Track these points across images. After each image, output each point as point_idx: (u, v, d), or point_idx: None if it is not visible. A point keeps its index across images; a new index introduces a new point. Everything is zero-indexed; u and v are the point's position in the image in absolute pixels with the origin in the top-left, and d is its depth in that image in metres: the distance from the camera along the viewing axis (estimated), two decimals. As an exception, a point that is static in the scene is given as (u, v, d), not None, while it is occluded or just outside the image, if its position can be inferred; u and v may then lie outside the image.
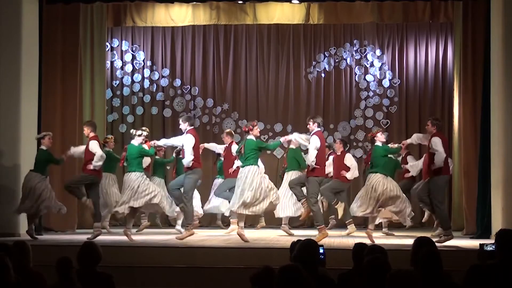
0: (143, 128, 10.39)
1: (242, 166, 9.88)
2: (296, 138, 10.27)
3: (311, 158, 9.64)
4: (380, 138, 10.25)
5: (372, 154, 10.31)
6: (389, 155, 10.55)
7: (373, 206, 9.90)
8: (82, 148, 10.62)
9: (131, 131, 10.45)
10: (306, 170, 10.22)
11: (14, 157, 10.95)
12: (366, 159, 12.32)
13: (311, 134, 9.86)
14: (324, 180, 10.59)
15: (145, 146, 10.17)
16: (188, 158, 9.68)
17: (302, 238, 5.17)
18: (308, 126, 10.00)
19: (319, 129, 9.91)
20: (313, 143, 9.70)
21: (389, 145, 10.70)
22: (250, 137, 9.93)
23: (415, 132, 14.02)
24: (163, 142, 10.37)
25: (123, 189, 10.04)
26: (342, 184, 11.67)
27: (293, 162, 11.65)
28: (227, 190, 11.09)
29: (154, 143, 10.20)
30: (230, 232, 11.40)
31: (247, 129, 10.03)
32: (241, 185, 9.64)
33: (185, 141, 9.74)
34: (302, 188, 10.19)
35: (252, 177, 9.63)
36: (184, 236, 9.65)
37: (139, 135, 10.09)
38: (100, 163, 10.05)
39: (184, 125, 9.83)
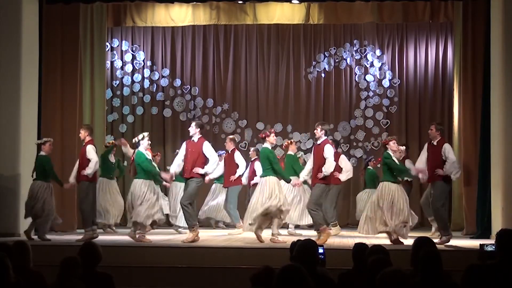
0: (143, 133, 10.35)
1: (261, 176, 9.96)
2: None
3: (330, 168, 9.64)
4: (392, 146, 9.79)
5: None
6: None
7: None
8: (76, 166, 10.52)
9: (134, 140, 10.31)
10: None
11: (14, 158, 10.95)
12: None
13: (319, 142, 9.79)
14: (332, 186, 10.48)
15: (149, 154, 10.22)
16: (214, 165, 9.86)
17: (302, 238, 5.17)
18: (315, 131, 9.92)
19: (326, 137, 9.86)
20: (331, 153, 9.70)
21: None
22: (266, 145, 9.91)
23: (415, 132, 14.10)
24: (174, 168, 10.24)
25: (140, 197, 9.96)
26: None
27: (290, 169, 11.55)
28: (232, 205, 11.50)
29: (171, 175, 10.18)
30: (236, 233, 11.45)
31: (263, 135, 9.96)
32: (257, 196, 9.69)
33: (211, 151, 9.83)
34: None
35: (266, 188, 9.63)
36: (191, 239, 9.63)
37: (142, 139, 10.08)
38: (93, 170, 10.04)
39: (195, 130, 9.86)
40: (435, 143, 9.71)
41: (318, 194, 9.73)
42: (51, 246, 9.25)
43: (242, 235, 11.25)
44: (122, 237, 10.89)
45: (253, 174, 11.94)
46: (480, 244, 6.16)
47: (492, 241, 6.86)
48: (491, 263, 4.83)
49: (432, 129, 9.75)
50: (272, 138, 9.93)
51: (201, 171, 9.73)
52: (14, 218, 10.72)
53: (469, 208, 11.39)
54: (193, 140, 9.92)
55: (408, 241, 9.04)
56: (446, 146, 9.64)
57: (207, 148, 9.83)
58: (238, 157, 11.70)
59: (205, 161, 9.83)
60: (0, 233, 10.34)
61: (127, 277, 7.66)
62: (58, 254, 6.03)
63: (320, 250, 5.09)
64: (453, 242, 9.64)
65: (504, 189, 10.42)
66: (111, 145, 12.12)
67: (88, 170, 9.97)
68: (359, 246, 5.37)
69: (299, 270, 3.71)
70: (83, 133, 10.27)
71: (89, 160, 10.01)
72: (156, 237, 10.45)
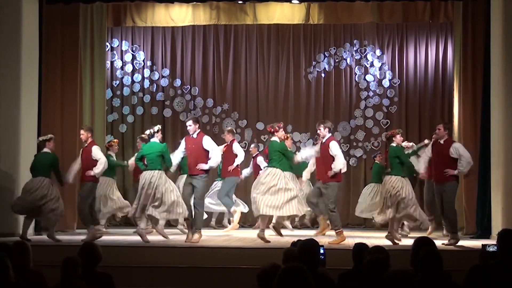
0: (158, 126, 10.21)
1: (266, 167, 9.91)
2: (308, 155, 10.17)
3: (339, 165, 9.58)
4: (398, 139, 9.95)
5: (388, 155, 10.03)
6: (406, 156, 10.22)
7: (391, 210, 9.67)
8: (75, 165, 10.45)
9: (149, 132, 10.13)
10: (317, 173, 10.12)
11: (14, 158, 10.94)
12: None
13: (325, 140, 9.72)
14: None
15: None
16: (218, 159, 9.84)
17: (302, 238, 5.16)
18: (318, 131, 9.83)
19: (330, 134, 9.82)
20: (339, 150, 9.68)
21: (405, 143, 10.54)
22: (274, 138, 9.85)
23: (415, 132, 14.10)
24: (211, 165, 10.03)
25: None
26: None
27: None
28: (228, 195, 11.46)
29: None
30: (230, 230, 11.44)
31: (272, 130, 9.87)
32: (262, 186, 9.64)
33: (212, 144, 9.80)
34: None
35: (271, 180, 9.57)
36: (198, 239, 9.67)
37: (157, 131, 9.93)
38: (102, 170, 10.05)
39: (194, 127, 9.80)
40: (441, 141, 9.73)
41: (333, 194, 9.67)
42: (51, 246, 9.26)
43: (241, 235, 11.27)
44: (122, 237, 10.90)
45: (256, 169, 12.02)
46: (482, 245, 6.16)
47: (493, 241, 6.86)
48: (493, 263, 4.83)
49: (440, 128, 9.78)
50: (281, 133, 9.85)
51: (205, 167, 9.67)
52: (14, 218, 10.71)
53: (469, 208, 11.39)
54: (192, 136, 9.90)
55: (408, 241, 9.04)
56: (457, 145, 9.74)
57: (208, 142, 9.77)
58: (237, 148, 11.67)
59: (207, 155, 9.75)
60: (0, 233, 10.33)
61: (127, 277, 7.66)
62: (58, 254, 6.04)
63: (320, 250, 5.08)
64: (453, 242, 9.64)
65: (504, 189, 10.42)
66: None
67: (96, 170, 10.00)
68: (359, 246, 5.38)
69: (301, 271, 3.70)
70: (85, 134, 10.22)
71: (95, 161, 10.03)
72: (156, 237, 10.44)
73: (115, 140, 12.22)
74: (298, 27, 14.39)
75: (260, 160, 12.30)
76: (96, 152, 10.09)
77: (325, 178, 9.70)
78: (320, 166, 9.94)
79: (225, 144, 11.79)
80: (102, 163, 10.03)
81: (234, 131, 12.38)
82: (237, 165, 11.59)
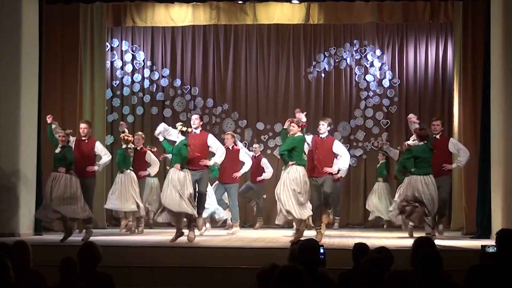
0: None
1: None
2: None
3: (347, 164, 9.77)
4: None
5: None
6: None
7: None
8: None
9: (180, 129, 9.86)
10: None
11: (14, 157, 10.94)
12: None
13: (324, 137, 9.75)
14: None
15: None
16: (223, 156, 9.98)
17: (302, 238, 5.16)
18: (321, 126, 9.83)
19: (329, 134, 9.87)
20: (344, 148, 9.84)
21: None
22: (299, 134, 9.74)
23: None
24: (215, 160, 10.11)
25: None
26: None
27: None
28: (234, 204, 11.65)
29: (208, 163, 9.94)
30: (235, 233, 11.45)
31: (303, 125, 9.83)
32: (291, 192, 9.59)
33: (217, 142, 10.00)
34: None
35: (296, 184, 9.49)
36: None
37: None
38: (103, 167, 10.16)
39: (199, 123, 9.98)
40: (437, 137, 9.82)
41: (331, 186, 9.75)
42: (51, 246, 9.25)
43: (241, 235, 11.28)
44: (123, 237, 10.89)
45: (258, 169, 12.03)
46: (481, 245, 6.15)
47: (493, 241, 6.85)
48: (493, 264, 4.84)
49: (439, 124, 9.93)
50: (294, 126, 9.76)
51: (209, 163, 9.86)
52: (14, 218, 10.71)
53: (469, 208, 11.40)
54: (195, 131, 9.93)
55: (408, 241, 9.04)
56: (454, 140, 10.16)
57: (213, 141, 10.00)
58: (244, 155, 11.68)
59: (209, 153, 9.96)
60: (0, 233, 10.33)
61: (127, 277, 7.65)
62: (58, 254, 6.03)
63: (320, 250, 5.08)
64: (453, 242, 9.65)
65: (504, 189, 10.41)
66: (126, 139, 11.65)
67: (101, 165, 10.07)
68: (359, 246, 5.38)
69: (298, 272, 3.70)
70: (88, 129, 10.24)
71: (95, 156, 10.09)
72: (157, 237, 10.43)
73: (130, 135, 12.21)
74: (298, 27, 14.39)
75: (265, 162, 12.30)
76: (102, 147, 10.19)
77: (322, 173, 9.68)
78: (315, 162, 9.80)
79: (225, 146, 11.77)
80: (107, 159, 10.22)
81: (234, 134, 12.40)
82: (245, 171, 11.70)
